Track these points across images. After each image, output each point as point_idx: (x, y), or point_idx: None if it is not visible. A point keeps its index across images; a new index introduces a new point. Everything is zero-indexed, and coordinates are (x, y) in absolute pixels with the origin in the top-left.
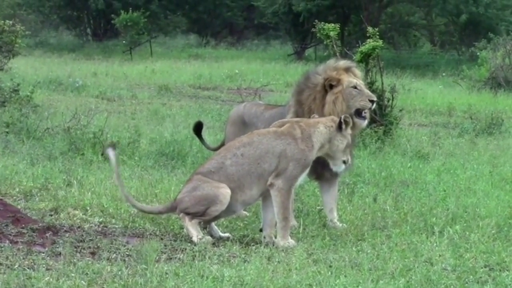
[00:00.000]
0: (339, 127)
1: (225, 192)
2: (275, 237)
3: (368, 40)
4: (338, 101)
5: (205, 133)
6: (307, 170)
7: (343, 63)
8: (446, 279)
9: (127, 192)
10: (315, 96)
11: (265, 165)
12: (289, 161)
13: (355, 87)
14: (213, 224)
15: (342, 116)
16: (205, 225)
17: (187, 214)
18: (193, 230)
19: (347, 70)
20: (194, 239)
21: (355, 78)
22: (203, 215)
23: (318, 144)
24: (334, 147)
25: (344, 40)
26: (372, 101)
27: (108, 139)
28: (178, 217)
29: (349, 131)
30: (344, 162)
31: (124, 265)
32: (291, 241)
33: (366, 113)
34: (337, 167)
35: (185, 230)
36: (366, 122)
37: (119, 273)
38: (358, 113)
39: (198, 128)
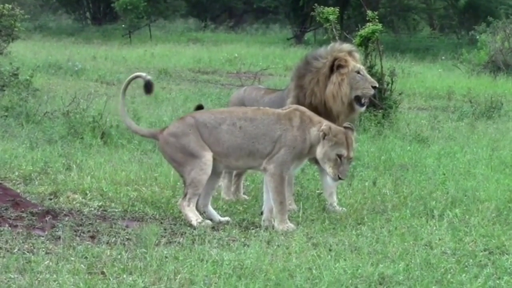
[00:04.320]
0: (323, 136)
1: (208, 159)
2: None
3: (368, 23)
4: (343, 83)
5: None
6: (301, 160)
7: (346, 46)
8: (446, 262)
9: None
10: (318, 79)
11: (260, 146)
12: (282, 146)
13: (358, 72)
14: (211, 209)
15: (323, 126)
16: (203, 208)
17: (172, 161)
18: (192, 214)
19: (350, 53)
20: (194, 223)
21: (357, 63)
22: (191, 184)
23: (308, 141)
24: (319, 155)
25: (343, 23)
26: (374, 87)
27: (107, 123)
28: (177, 201)
29: (329, 145)
30: (339, 177)
31: (124, 249)
32: (290, 225)
33: (366, 101)
34: (329, 177)
35: (183, 216)
36: (363, 108)
37: (119, 257)
38: (358, 99)
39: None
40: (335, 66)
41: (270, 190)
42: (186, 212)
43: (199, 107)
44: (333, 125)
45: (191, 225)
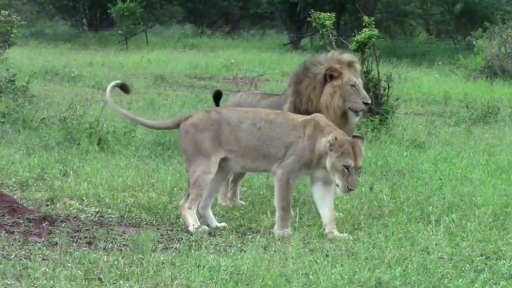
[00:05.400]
0: (330, 147)
1: (215, 161)
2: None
3: (364, 29)
4: (336, 95)
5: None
6: (310, 170)
7: (346, 56)
8: (443, 267)
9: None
10: (314, 86)
11: (273, 149)
12: (292, 154)
13: (353, 86)
14: (210, 213)
15: (329, 137)
16: (202, 211)
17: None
18: (190, 218)
19: (350, 64)
20: (190, 228)
21: (355, 75)
22: (194, 184)
23: (317, 152)
24: (328, 166)
25: (340, 29)
26: (366, 104)
27: (104, 129)
28: (174, 207)
29: (335, 156)
30: (348, 188)
31: (121, 255)
32: (287, 230)
33: (360, 113)
34: (339, 189)
35: (181, 219)
36: (357, 119)
37: (116, 262)
38: (353, 109)
39: (217, 96)
40: (328, 75)
41: (275, 194)
42: (185, 215)
43: (218, 92)
44: (340, 136)
45: (187, 231)
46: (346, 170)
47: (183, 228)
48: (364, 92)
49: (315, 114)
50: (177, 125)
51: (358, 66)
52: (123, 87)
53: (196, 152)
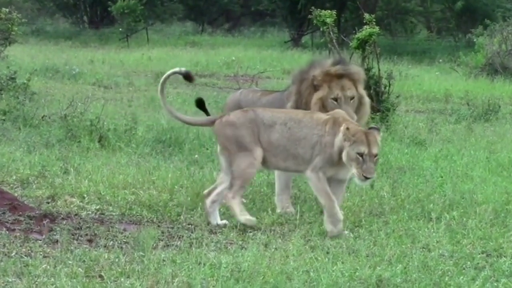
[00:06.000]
0: (344, 138)
1: (258, 154)
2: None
3: (365, 26)
4: (316, 107)
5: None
6: (335, 167)
7: (336, 69)
8: (443, 265)
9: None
10: (310, 91)
11: (301, 150)
12: (317, 154)
13: (335, 100)
14: (217, 209)
15: (341, 128)
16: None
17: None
18: (237, 207)
19: (339, 77)
20: (239, 217)
21: (340, 89)
22: (238, 177)
23: (336, 146)
24: (344, 158)
25: (340, 26)
26: None
27: (104, 126)
28: (175, 204)
29: (348, 145)
30: (364, 176)
31: (121, 252)
32: (339, 226)
33: None
34: (356, 179)
35: (229, 208)
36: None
37: (116, 260)
38: None
39: (200, 104)
40: (314, 84)
41: (315, 190)
42: (231, 204)
43: (200, 100)
44: (352, 126)
45: (236, 218)
46: (360, 158)
47: (184, 226)
48: (347, 108)
49: (336, 110)
50: (212, 123)
51: (349, 80)
52: (187, 76)
53: (239, 149)
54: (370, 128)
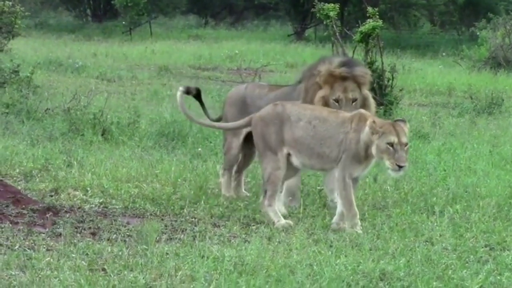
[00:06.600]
0: (371, 132)
1: (282, 156)
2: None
3: (368, 20)
4: (318, 104)
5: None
6: (362, 163)
7: (341, 71)
8: (447, 258)
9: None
10: (315, 88)
11: (326, 149)
12: (343, 151)
13: (336, 101)
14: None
15: (367, 122)
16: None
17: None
18: (272, 214)
19: (343, 78)
20: (276, 224)
21: (343, 91)
22: (268, 181)
23: (362, 142)
24: (374, 152)
25: (344, 20)
26: None
27: (108, 120)
28: (178, 198)
29: (377, 137)
30: (397, 165)
31: (125, 246)
32: (357, 228)
33: None
34: (390, 170)
35: (264, 215)
36: None
37: (120, 253)
38: None
39: (197, 95)
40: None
41: (338, 195)
42: (267, 212)
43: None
44: (378, 119)
45: (272, 225)
46: (391, 148)
47: (187, 219)
48: (347, 110)
49: (361, 109)
50: (248, 123)
51: (353, 83)
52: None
53: (265, 148)
54: (396, 121)
